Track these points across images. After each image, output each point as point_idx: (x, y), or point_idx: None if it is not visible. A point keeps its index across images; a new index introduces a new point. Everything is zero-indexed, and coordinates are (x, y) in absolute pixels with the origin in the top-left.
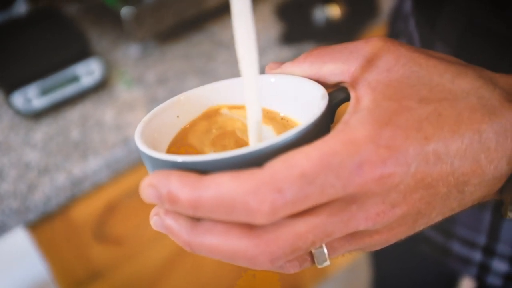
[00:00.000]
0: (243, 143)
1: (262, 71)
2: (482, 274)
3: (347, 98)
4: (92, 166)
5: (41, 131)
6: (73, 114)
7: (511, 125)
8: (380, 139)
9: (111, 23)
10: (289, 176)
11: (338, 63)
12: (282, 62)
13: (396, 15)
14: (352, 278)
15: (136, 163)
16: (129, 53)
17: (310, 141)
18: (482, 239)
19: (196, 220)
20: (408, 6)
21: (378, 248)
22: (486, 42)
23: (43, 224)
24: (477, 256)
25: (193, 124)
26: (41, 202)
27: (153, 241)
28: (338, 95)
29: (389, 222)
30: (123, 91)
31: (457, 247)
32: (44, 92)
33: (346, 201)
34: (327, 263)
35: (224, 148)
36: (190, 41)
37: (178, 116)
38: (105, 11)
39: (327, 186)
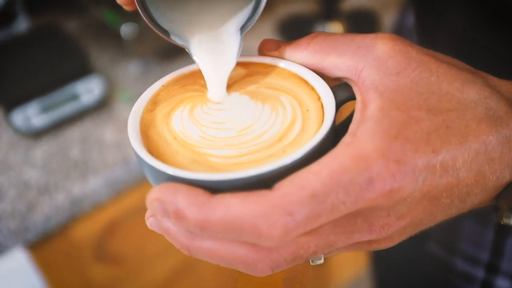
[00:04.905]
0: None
1: (254, 49)
2: None
3: (351, 98)
4: (92, 185)
5: (41, 150)
6: (73, 132)
7: None
8: (390, 153)
9: (111, 40)
10: (300, 198)
11: (343, 57)
12: (279, 41)
13: (399, 30)
14: None
15: (137, 182)
16: (129, 70)
17: (319, 156)
18: (485, 256)
19: None
20: (410, 21)
21: (372, 250)
22: (483, 59)
23: (43, 244)
24: (480, 273)
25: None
26: (41, 222)
27: (153, 260)
28: (342, 94)
29: (392, 233)
30: (123, 109)
31: (460, 264)
32: (44, 110)
33: (352, 214)
34: (321, 261)
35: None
36: (191, 58)
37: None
38: (105, 28)
39: (338, 204)
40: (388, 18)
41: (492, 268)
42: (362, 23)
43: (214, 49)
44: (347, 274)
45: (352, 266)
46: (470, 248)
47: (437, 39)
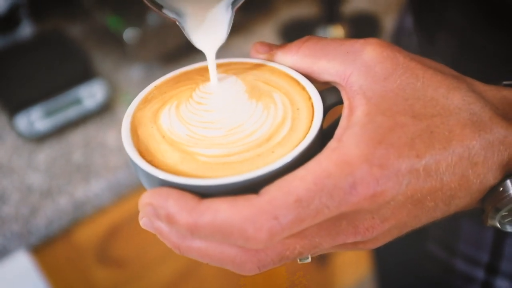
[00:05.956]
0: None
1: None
2: None
3: (339, 102)
4: (94, 189)
5: (44, 154)
6: (76, 136)
7: (498, 141)
8: (374, 158)
9: (114, 45)
10: (285, 202)
11: (333, 62)
12: (271, 44)
13: (399, 32)
14: None
15: (139, 186)
16: (132, 74)
17: (306, 160)
18: (485, 257)
19: None
20: (410, 22)
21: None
22: (483, 59)
23: (46, 248)
24: (480, 274)
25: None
26: (43, 226)
27: (156, 264)
28: (330, 98)
29: (377, 235)
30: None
31: (460, 264)
32: (47, 114)
33: (337, 217)
34: (308, 260)
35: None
36: (193, 62)
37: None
38: (108, 33)
39: (322, 208)
40: (389, 21)
41: (492, 269)
42: (364, 27)
43: (205, 22)
44: (350, 277)
45: (355, 268)
46: (470, 249)
47: (437, 39)
